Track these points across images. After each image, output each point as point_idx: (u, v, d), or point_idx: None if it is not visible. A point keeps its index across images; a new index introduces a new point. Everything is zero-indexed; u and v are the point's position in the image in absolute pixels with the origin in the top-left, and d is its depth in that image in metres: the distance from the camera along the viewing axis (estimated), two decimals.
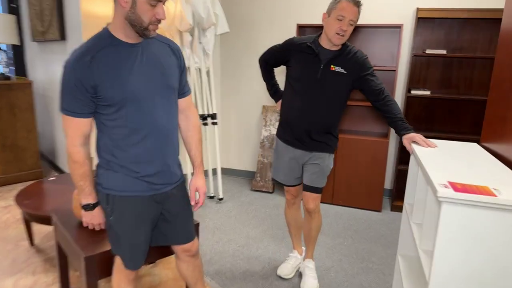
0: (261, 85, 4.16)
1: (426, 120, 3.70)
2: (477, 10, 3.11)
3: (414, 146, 1.84)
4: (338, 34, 1.95)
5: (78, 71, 1.32)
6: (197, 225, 2.03)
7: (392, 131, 3.71)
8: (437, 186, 1.27)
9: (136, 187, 1.49)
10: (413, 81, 3.58)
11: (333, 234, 3.13)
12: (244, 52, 4.16)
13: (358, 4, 1.93)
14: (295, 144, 2.19)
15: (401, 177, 3.69)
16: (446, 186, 1.26)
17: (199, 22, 3.47)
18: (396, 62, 3.37)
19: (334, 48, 2.05)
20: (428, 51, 3.33)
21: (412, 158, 1.98)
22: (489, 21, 3.32)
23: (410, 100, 3.60)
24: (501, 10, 3.08)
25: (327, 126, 2.13)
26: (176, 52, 1.56)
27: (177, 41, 3.45)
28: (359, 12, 1.94)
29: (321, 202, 3.72)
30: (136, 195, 1.49)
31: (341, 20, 1.92)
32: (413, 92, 3.41)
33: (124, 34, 1.38)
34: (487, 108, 1.90)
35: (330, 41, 2.01)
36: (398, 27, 3.35)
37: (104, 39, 1.37)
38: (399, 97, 3.61)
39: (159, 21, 1.38)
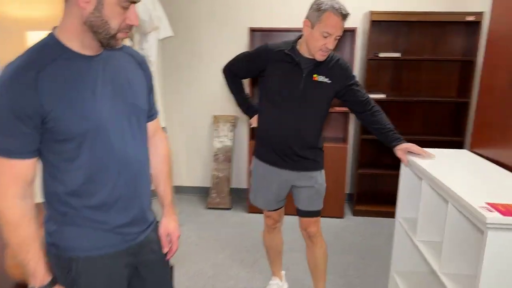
0: (210, 94, 3.85)
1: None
2: (425, 13, 3.16)
3: (413, 158, 1.71)
4: (322, 51, 1.73)
5: (17, 94, 0.94)
6: (171, 268, 1.69)
7: (350, 134, 3.66)
8: (480, 210, 1.11)
9: (106, 242, 1.13)
10: (368, 85, 3.56)
11: (299, 248, 2.95)
12: (189, 58, 3.82)
13: (345, 17, 1.69)
14: (279, 164, 1.94)
15: (361, 181, 3.65)
16: (489, 210, 1.11)
17: (139, 26, 3.07)
18: (352, 66, 3.30)
19: None
20: (382, 55, 3.32)
21: (407, 170, 1.85)
22: (435, 24, 3.41)
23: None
24: (446, 14, 3.16)
25: (312, 140, 1.92)
26: (142, 65, 1.23)
27: None
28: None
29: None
30: (107, 252, 1.13)
31: (326, 37, 1.68)
32: (370, 96, 3.37)
33: (80, 43, 1.02)
34: (477, 114, 1.85)
35: (311, 54, 1.79)
36: (352, 30, 3.28)
37: (51, 49, 1.01)
38: None
39: (130, 27, 1.04)
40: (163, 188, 1.36)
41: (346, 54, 3.44)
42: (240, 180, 3.99)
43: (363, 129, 3.58)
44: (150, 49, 3.23)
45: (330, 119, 3.66)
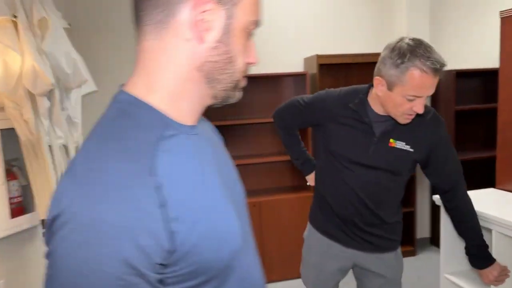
0: None
1: None
2: (368, 55, 3.23)
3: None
4: (407, 114, 1.30)
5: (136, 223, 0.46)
6: None
7: None
8: None
9: None
10: None
11: None
12: None
13: (439, 71, 1.21)
14: (344, 240, 1.53)
15: None
16: None
17: (62, 80, 2.42)
18: None
19: None
20: None
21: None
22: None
23: None
24: None
25: (388, 217, 1.49)
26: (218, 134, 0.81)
27: (28, 109, 2.29)
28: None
29: None
30: None
31: (412, 100, 1.24)
32: None
33: (178, 107, 0.57)
34: (499, 153, 1.77)
35: (391, 116, 1.36)
36: (303, 74, 3.16)
37: (152, 125, 0.54)
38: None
39: (247, 70, 0.62)
40: None
41: None
42: None
43: None
44: (74, 109, 2.58)
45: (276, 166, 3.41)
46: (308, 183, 1.80)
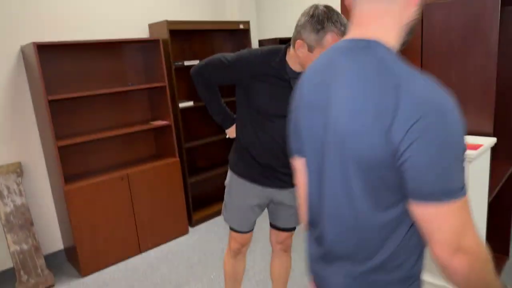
0: None
1: (195, 130, 3.78)
2: (213, 22, 3.45)
3: None
4: None
5: None
6: None
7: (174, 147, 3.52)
8: None
9: None
10: (178, 94, 3.52)
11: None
12: None
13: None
14: (261, 181, 1.76)
15: (196, 188, 3.66)
16: None
17: None
18: (163, 78, 3.16)
19: None
20: (186, 63, 3.36)
21: None
22: (227, 32, 3.79)
23: (182, 113, 3.47)
24: (226, 22, 3.56)
25: None
26: None
27: None
28: None
29: (127, 259, 3.04)
30: None
31: None
32: (181, 105, 3.37)
33: (394, 47, 0.84)
34: None
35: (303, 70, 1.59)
36: (152, 41, 3.12)
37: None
38: (168, 113, 3.40)
39: None
40: None
41: (152, 64, 3.24)
42: (53, 242, 3.04)
43: (186, 138, 3.58)
44: None
45: (149, 136, 3.36)
46: (227, 136, 1.94)
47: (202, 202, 3.93)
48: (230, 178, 1.87)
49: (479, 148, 1.61)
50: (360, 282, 0.84)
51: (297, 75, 1.60)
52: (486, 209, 1.85)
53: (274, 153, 1.71)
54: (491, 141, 1.73)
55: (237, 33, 3.86)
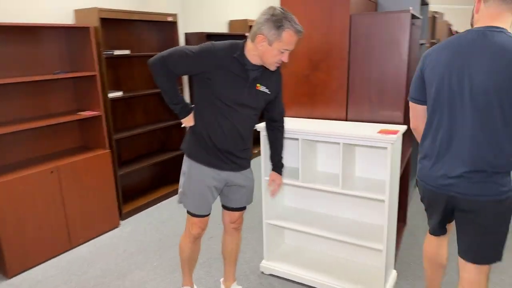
0: None
1: (123, 121, 3.69)
2: (143, 13, 3.43)
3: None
4: (277, 63, 1.78)
5: None
6: None
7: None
8: (383, 136, 1.94)
9: None
10: (109, 84, 3.41)
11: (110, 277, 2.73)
12: None
13: (301, 33, 1.72)
14: (219, 165, 1.92)
15: (124, 180, 3.63)
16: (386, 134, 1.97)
17: None
18: (93, 67, 3.05)
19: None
20: (116, 52, 3.29)
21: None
22: (155, 23, 3.77)
23: (112, 103, 3.36)
24: (154, 14, 3.57)
25: (249, 143, 1.99)
26: None
27: None
28: None
29: (58, 255, 2.92)
30: None
31: (283, 52, 1.72)
32: (110, 95, 3.30)
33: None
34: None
35: (264, 64, 1.79)
36: (85, 28, 3.00)
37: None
38: (98, 103, 3.27)
39: None
40: None
41: (80, 53, 3.10)
42: None
43: (115, 130, 3.50)
44: None
45: (76, 126, 3.18)
46: (183, 125, 2.00)
47: (131, 195, 3.88)
48: (189, 166, 1.96)
49: (398, 133, 2.02)
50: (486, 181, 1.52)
51: (254, 67, 1.81)
52: (398, 183, 2.31)
53: (234, 138, 1.90)
54: (403, 128, 2.18)
55: (164, 25, 3.88)
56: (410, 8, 2.17)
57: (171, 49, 1.79)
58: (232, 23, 5.11)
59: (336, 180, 2.31)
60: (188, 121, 1.94)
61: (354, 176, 2.42)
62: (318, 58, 2.43)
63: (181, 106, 1.91)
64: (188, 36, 4.20)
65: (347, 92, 2.40)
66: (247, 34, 4.57)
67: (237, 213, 2.14)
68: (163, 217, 3.53)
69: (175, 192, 4.05)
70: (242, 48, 1.79)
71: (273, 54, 1.72)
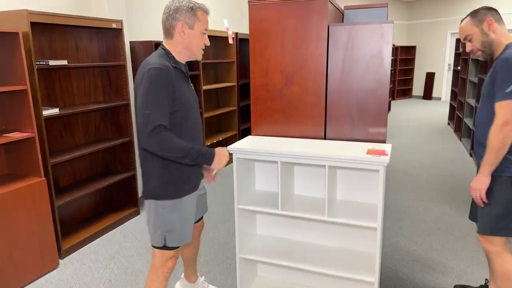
0: None
1: (63, 141, 3.16)
2: (81, 18, 2.99)
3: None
4: (202, 49, 1.79)
5: None
6: None
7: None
8: (372, 158, 1.75)
9: None
10: (43, 100, 2.88)
11: None
12: None
13: (209, 12, 1.79)
14: (198, 181, 1.89)
15: (64, 210, 3.06)
16: (378, 155, 1.77)
17: None
18: (24, 80, 2.54)
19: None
20: (52, 63, 2.80)
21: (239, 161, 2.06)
22: (97, 30, 3.27)
23: (47, 122, 2.83)
24: (96, 19, 3.15)
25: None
26: None
27: None
28: None
29: None
30: None
31: (204, 33, 1.76)
32: (45, 113, 2.80)
33: None
34: (253, 107, 2.33)
35: (191, 56, 1.78)
36: (13, 34, 2.49)
37: None
38: (30, 123, 2.74)
39: None
40: None
41: (10, 63, 2.57)
42: None
43: (52, 153, 2.98)
44: None
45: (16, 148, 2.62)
46: (215, 171, 1.88)
47: (72, 227, 3.35)
48: (174, 206, 1.76)
49: (388, 154, 1.85)
50: None
51: (184, 66, 1.79)
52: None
53: (200, 139, 1.86)
54: (389, 146, 2.02)
55: (108, 33, 3.45)
56: (393, 20, 2.03)
57: (143, 115, 1.56)
58: None
59: (320, 206, 2.09)
60: (218, 163, 1.76)
61: (336, 200, 2.21)
62: (292, 70, 2.21)
63: (205, 150, 1.71)
64: (134, 45, 3.78)
65: (325, 107, 2.21)
66: None
67: (201, 221, 2.23)
68: (112, 251, 3.06)
69: (125, 219, 3.58)
70: (167, 54, 1.72)
71: (198, 38, 1.73)
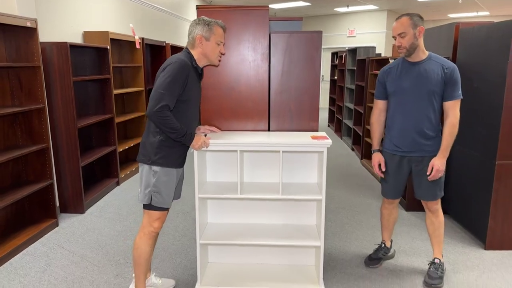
0: None
1: None
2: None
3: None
4: (220, 56, 2.20)
5: None
6: None
7: None
8: (317, 141, 2.16)
9: None
10: None
11: None
12: None
13: (225, 28, 2.20)
14: (183, 163, 2.25)
15: None
16: (322, 139, 2.18)
17: None
18: None
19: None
20: None
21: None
22: (4, 28, 2.96)
23: None
24: (22, 18, 2.92)
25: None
26: None
27: None
28: None
29: None
30: None
31: (219, 44, 2.15)
32: None
33: None
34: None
35: (209, 62, 2.19)
36: None
37: None
38: None
39: None
40: None
41: None
42: None
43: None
44: None
45: None
46: (193, 150, 2.22)
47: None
48: (163, 172, 2.12)
49: (328, 138, 2.28)
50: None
51: (201, 69, 2.23)
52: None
53: (193, 128, 2.23)
54: (324, 133, 2.47)
55: (19, 32, 3.19)
56: (321, 30, 2.49)
57: (157, 94, 1.95)
58: (86, 34, 4.57)
59: (274, 188, 2.41)
60: (196, 144, 2.13)
61: (283, 182, 2.56)
62: (239, 72, 2.50)
63: (189, 133, 2.09)
64: (45, 46, 3.55)
65: (268, 104, 2.55)
66: (108, 47, 4.30)
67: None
68: (41, 264, 2.84)
69: (43, 233, 3.32)
70: (191, 58, 2.14)
71: (213, 47, 2.14)
